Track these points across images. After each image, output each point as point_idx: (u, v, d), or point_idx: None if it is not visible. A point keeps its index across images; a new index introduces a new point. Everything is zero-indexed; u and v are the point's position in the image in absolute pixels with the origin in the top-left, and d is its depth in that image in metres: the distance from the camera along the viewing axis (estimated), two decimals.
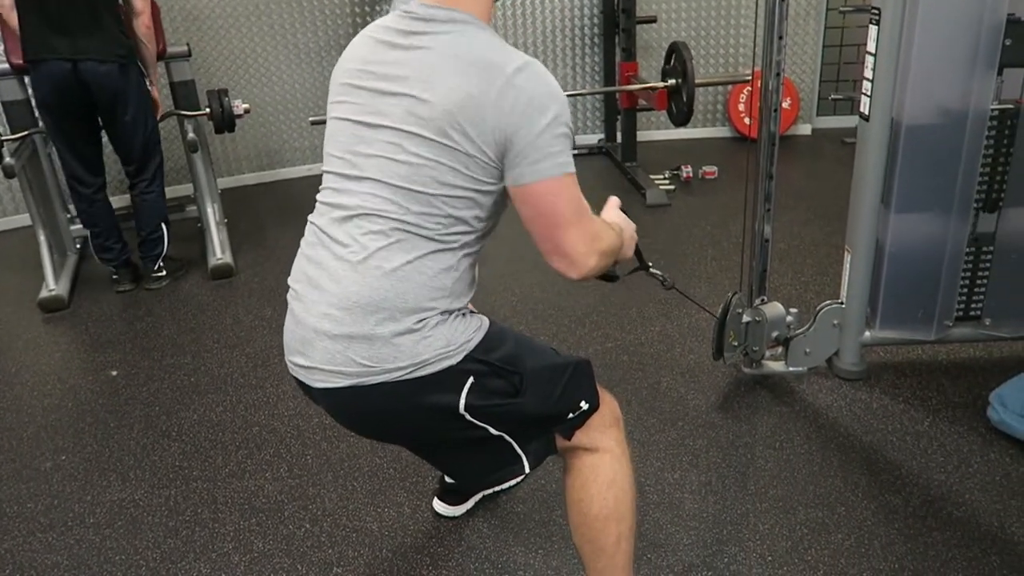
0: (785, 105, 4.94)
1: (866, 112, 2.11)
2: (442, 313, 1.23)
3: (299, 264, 1.32)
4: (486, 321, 1.31)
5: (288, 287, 1.34)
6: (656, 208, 3.94)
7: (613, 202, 1.44)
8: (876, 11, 2.01)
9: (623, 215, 1.44)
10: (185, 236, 3.84)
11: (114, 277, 3.36)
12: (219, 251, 3.50)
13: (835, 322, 2.33)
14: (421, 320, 1.20)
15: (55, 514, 2.01)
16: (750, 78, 4.36)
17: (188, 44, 3.53)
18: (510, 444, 1.33)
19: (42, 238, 3.34)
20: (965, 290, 2.26)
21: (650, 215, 3.86)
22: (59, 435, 2.35)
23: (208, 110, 3.43)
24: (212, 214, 3.66)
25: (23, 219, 4.18)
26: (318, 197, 1.31)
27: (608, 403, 1.40)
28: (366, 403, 1.24)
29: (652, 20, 4.66)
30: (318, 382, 1.26)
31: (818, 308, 2.35)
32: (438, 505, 1.91)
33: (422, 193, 1.18)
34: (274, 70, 4.60)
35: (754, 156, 2.22)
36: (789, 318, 2.31)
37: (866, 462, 2.00)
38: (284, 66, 4.61)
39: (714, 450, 2.09)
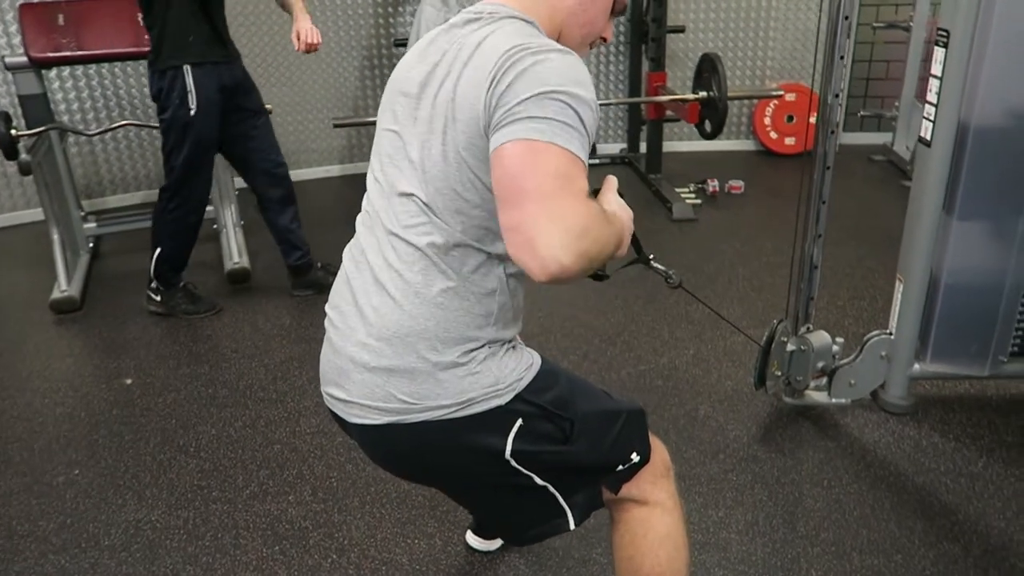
0: (813, 120, 4.84)
1: (927, 137, 2.01)
2: (489, 344, 1.13)
3: (338, 288, 1.23)
4: (537, 358, 1.21)
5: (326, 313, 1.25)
6: (682, 222, 3.84)
7: (611, 182, 1.14)
8: (944, 32, 1.91)
9: (621, 200, 1.13)
10: (201, 238, 3.74)
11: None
12: (236, 255, 3.41)
13: (883, 353, 2.24)
14: (468, 353, 1.11)
15: (68, 534, 1.91)
16: (782, 94, 4.29)
17: None
18: (554, 496, 1.22)
19: (56, 237, 3.25)
20: (1022, 324, 2.16)
21: (676, 229, 3.77)
22: (72, 447, 2.26)
23: None
24: (229, 216, 3.58)
25: (32, 214, 4.11)
26: (359, 217, 1.23)
27: (659, 451, 1.31)
28: (404, 442, 1.15)
29: (681, 30, 4.57)
30: (355, 417, 1.16)
31: (865, 338, 2.26)
32: (472, 539, 1.82)
33: (457, 204, 1.07)
34: (293, 70, 4.51)
35: (806, 175, 2.13)
36: (835, 348, 2.22)
37: (920, 505, 1.91)
38: (303, 66, 4.52)
39: (759, 486, 2.00)
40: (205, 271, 3.44)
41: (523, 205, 0.92)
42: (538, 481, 1.19)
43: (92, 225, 3.63)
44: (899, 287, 2.20)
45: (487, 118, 1.00)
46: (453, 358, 1.10)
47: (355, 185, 4.67)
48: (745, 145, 5.08)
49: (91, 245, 3.64)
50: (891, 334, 2.23)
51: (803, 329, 2.23)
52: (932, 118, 1.99)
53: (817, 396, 2.30)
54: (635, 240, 1.23)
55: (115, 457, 2.21)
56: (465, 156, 1.04)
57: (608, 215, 1.04)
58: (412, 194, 1.10)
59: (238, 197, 3.69)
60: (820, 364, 2.22)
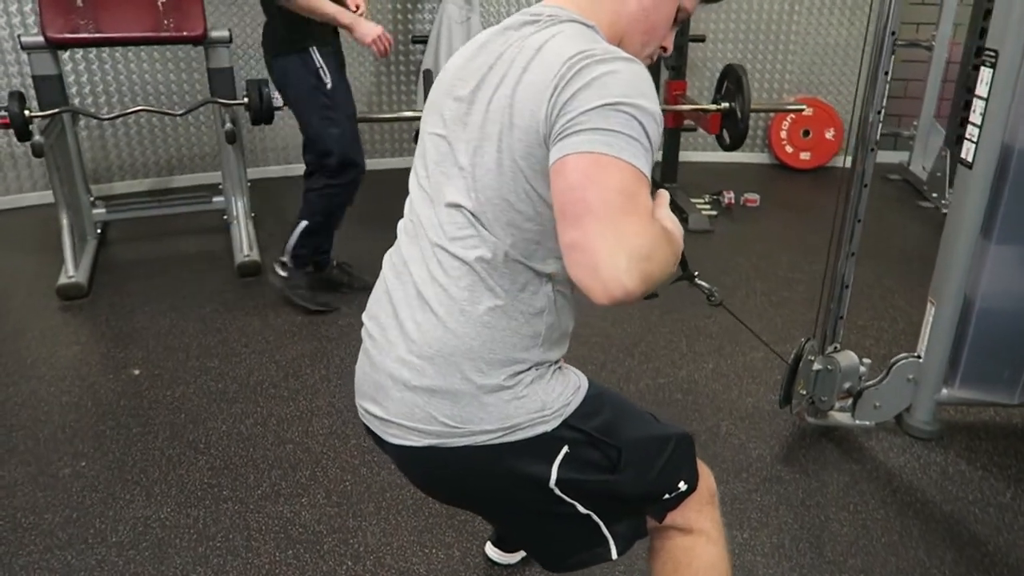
0: (828, 135, 4.83)
1: (969, 159, 1.98)
2: (536, 367, 1.08)
3: (376, 298, 1.18)
4: (584, 380, 1.16)
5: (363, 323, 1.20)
6: (698, 234, 3.80)
7: (663, 197, 1.08)
8: (992, 53, 1.88)
9: (673, 216, 1.06)
10: (210, 228, 3.70)
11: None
12: (246, 247, 3.35)
13: (910, 376, 2.20)
14: (514, 375, 1.06)
15: (74, 529, 1.86)
16: (805, 108, 4.27)
17: (230, 30, 3.38)
18: (597, 524, 1.17)
19: (65, 221, 3.19)
20: None
21: (692, 240, 3.72)
22: (78, 438, 2.20)
23: (246, 100, 3.29)
24: (241, 208, 3.52)
25: (38, 197, 4.05)
26: (400, 223, 1.18)
27: (706, 478, 1.26)
28: (443, 466, 1.10)
29: (701, 39, 4.53)
30: (392, 437, 1.11)
31: (892, 361, 2.22)
32: (491, 551, 1.77)
33: (509, 217, 1.02)
34: None
35: (840, 192, 2.09)
36: (862, 369, 2.18)
37: (949, 534, 1.87)
38: None
39: (784, 508, 1.95)
40: (214, 263, 3.39)
41: (586, 223, 0.86)
42: (581, 510, 1.14)
43: (101, 211, 3.56)
44: (930, 309, 2.16)
45: (548, 127, 0.95)
46: (499, 381, 1.05)
47: (368, 182, 4.61)
48: (760, 158, 5.05)
49: (99, 231, 3.57)
50: (919, 357, 2.19)
51: (830, 348, 2.19)
52: (975, 139, 1.95)
53: (840, 417, 2.26)
54: (682, 256, 1.15)
55: (123, 450, 2.15)
56: (522, 165, 0.99)
57: (667, 233, 0.98)
58: (460, 204, 1.05)
59: (249, 188, 3.63)
60: (846, 385, 2.18)
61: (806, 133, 4.81)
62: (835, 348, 2.20)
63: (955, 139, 4.08)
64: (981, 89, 1.92)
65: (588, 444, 1.10)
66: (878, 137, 2.01)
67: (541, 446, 1.08)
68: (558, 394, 1.09)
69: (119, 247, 3.63)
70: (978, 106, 1.93)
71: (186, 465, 2.09)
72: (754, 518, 1.91)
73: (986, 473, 2.09)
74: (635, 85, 0.93)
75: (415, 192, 1.15)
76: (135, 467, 2.08)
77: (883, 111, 1.99)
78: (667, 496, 1.18)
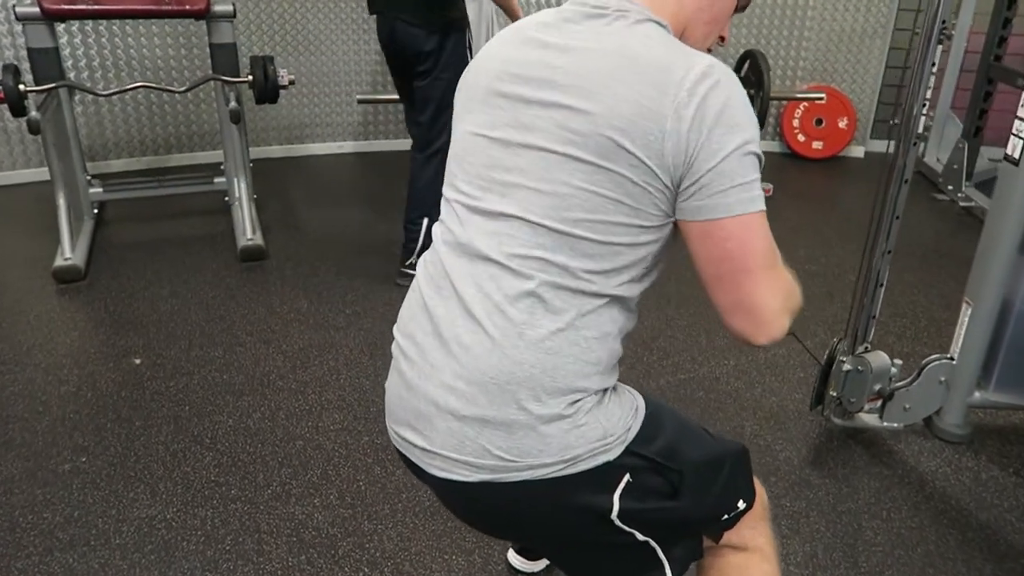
0: (841, 124, 4.74)
1: (1015, 155, 1.89)
2: (596, 393, 0.99)
3: (411, 312, 1.07)
4: (640, 399, 1.06)
5: (394, 338, 1.09)
6: None
7: None
8: None
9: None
10: (211, 210, 3.59)
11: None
12: (249, 230, 3.24)
13: (942, 379, 2.13)
14: (574, 404, 0.96)
15: (76, 529, 1.77)
16: (823, 98, 4.18)
17: (233, 4, 3.25)
18: (654, 550, 1.08)
19: (61, 201, 3.07)
20: None
21: None
22: (78, 431, 2.11)
23: (250, 77, 3.17)
24: (243, 189, 3.41)
25: (32, 174, 3.93)
26: (437, 230, 1.07)
27: (759, 493, 1.18)
28: (496, 500, 1.01)
29: None
30: (438, 470, 1.01)
31: (924, 362, 2.14)
32: (514, 558, 1.69)
33: (576, 235, 0.94)
34: (314, 39, 4.33)
35: (881, 185, 2.01)
36: (893, 370, 2.11)
37: (986, 544, 1.81)
38: (327, 36, 4.34)
39: (815, 514, 1.88)
40: (216, 247, 3.28)
41: (745, 286, 0.93)
42: (639, 537, 1.05)
43: (98, 190, 3.44)
44: (966, 310, 2.08)
45: (680, 168, 0.90)
46: (558, 410, 0.96)
47: (369, 163, 4.52)
48: (771, 147, 4.95)
49: (95, 211, 3.46)
50: (952, 359, 2.12)
51: (860, 349, 2.12)
52: (1023, 135, 1.87)
53: (868, 419, 2.19)
54: None
55: (124, 445, 2.06)
56: (617, 192, 0.92)
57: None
58: (522, 218, 0.95)
59: (251, 169, 3.52)
60: (876, 387, 2.11)
61: (819, 122, 4.72)
62: (866, 348, 2.12)
63: (973, 131, 4.00)
64: None
65: (650, 470, 1.02)
66: (920, 130, 1.93)
67: (602, 476, 0.99)
68: (618, 418, 1.00)
69: (117, 228, 3.51)
70: None
71: (192, 462, 2.01)
72: (785, 525, 1.84)
73: (1020, 480, 2.03)
74: (747, 107, 0.93)
75: (456, 198, 1.04)
76: (138, 463, 2.00)
77: (927, 104, 1.90)
78: (726, 516, 1.11)
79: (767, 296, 0.93)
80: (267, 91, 3.19)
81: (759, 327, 0.94)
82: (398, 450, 1.08)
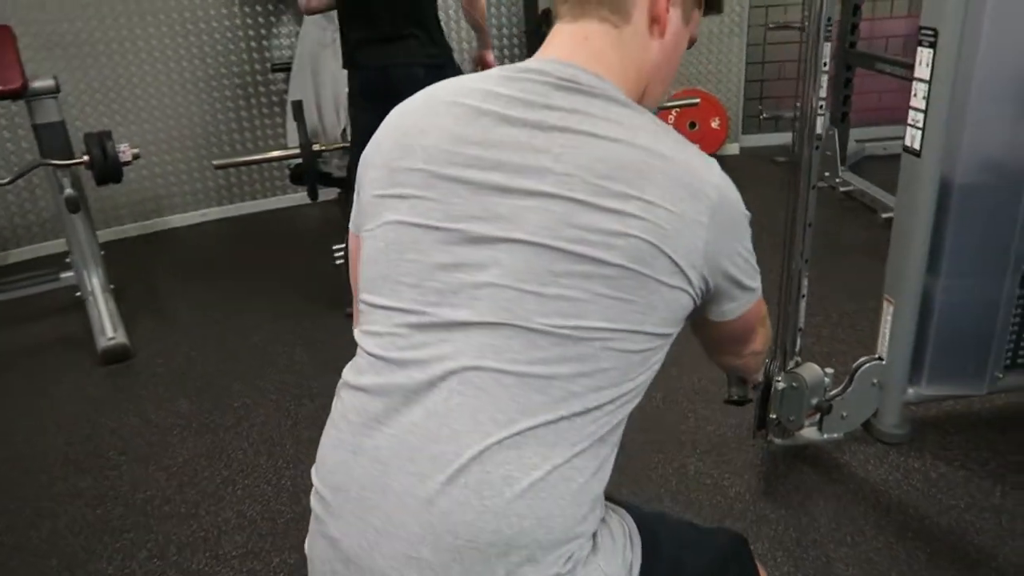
0: (714, 125, 4.79)
1: (915, 147, 1.84)
2: (591, 538, 0.81)
3: (335, 454, 0.83)
4: (630, 521, 0.89)
5: (313, 487, 0.86)
6: None
7: None
8: (931, 32, 1.74)
9: None
10: (62, 308, 3.17)
11: None
12: (109, 328, 2.87)
13: (875, 381, 2.06)
14: (570, 558, 0.77)
15: None
16: (697, 102, 4.18)
17: (55, 77, 2.89)
18: None
19: None
20: (1014, 336, 2.04)
21: None
22: None
23: (86, 158, 2.82)
24: (96, 281, 3.03)
25: None
26: (363, 343, 0.85)
27: None
28: None
29: None
30: None
31: (854, 366, 2.07)
32: None
33: (579, 349, 0.76)
34: (156, 104, 3.96)
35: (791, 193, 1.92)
36: (826, 380, 2.02)
37: (955, 552, 1.72)
38: (168, 99, 3.98)
39: (781, 554, 1.75)
40: (72, 351, 2.88)
41: (744, 349, 1.06)
42: None
43: None
44: (888, 309, 2.02)
45: (709, 272, 0.84)
46: (555, 570, 0.75)
47: (238, 228, 4.18)
48: None
49: None
50: (881, 359, 2.06)
51: (791, 364, 2.02)
52: (920, 125, 1.82)
53: (808, 434, 2.09)
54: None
55: None
56: (618, 289, 0.78)
57: None
58: (511, 324, 0.76)
59: (104, 256, 3.14)
60: (814, 400, 2.01)
61: (692, 125, 4.74)
62: (796, 363, 2.03)
63: (840, 117, 4.10)
64: (922, 71, 1.79)
65: None
66: (818, 131, 1.85)
67: None
68: (619, 560, 0.82)
69: None
70: (920, 90, 1.80)
71: None
72: None
73: (969, 473, 1.97)
74: (739, 197, 0.88)
75: (389, 305, 0.82)
76: None
77: (824, 103, 1.83)
78: None
79: (758, 346, 1.07)
80: (108, 170, 2.84)
81: (754, 368, 1.20)
82: None
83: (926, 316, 1.99)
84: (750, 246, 0.89)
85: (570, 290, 0.76)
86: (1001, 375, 2.05)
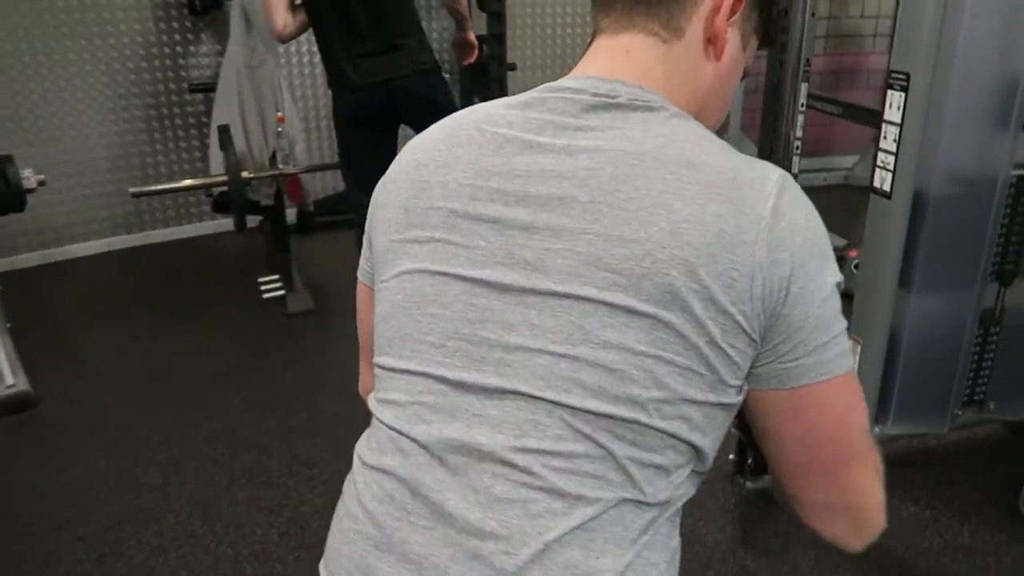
0: None
1: (886, 188, 1.84)
2: None
3: (354, 551, 0.71)
4: None
5: None
6: None
7: None
8: (903, 76, 1.75)
9: None
10: None
11: None
12: (8, 374, 2.57)
13: None
14: None
15: None
16: None
17: None
18: None
19: None
20: (972, 373, 2.07)
21: None
22: None
23: None
24: None
25: None
26: (381, 414, 0.73)
27: None
28: None
29: (512, 67, 4.32)
30: None
31: None
32: None
33: (626, 420, 0.64)
34: (62, 125, 3.64)
35: None
36: None
37: None
38: (76, 120, 3.67)
39: None
40: None
41: (841, 476, 0.72)
42: None
43: None
44: (855, 348, 2.02)
45: (765, 314, 0.65)
46: None
47: (148, 258, 3.88)
48: None
49: None
50: None
51: None
52: (891, 167, 1.82)
53: None
54: None
55: None
56: (652, 343, 0.64)
57: None
58: (527, 393, 0.65)
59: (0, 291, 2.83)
60: None
61: None
62: None
63: (768, 149, 4.18)
64: (892, 115, 1.79)
65: None
66: (795, 171, 1.83)
67: None
68: None
69: None
70: (890, 132, 1.80)
71: None
72: None
73: (936, 512, 1.98)
74: (823, 227, 0.69)
75: (418, 358, 0.70)
76: None
77: (800, 142, 1.81)
78: None
79: (874, 494, 0.73)
80: (10, 198, 2.57)
81: (863, 530, 0.76)
82: None
83: (893, 356, 1.99)
84: (834, 282, 0.68)
85: (605, 352, 0.64)
86: (960, 412, 2.08)
